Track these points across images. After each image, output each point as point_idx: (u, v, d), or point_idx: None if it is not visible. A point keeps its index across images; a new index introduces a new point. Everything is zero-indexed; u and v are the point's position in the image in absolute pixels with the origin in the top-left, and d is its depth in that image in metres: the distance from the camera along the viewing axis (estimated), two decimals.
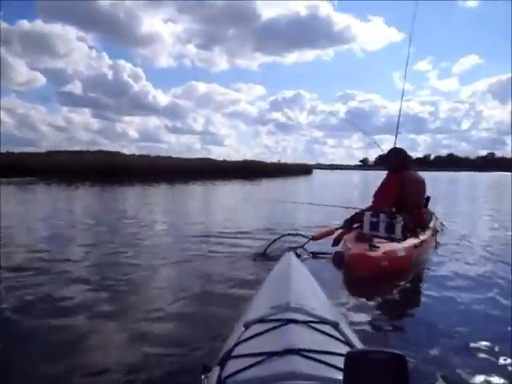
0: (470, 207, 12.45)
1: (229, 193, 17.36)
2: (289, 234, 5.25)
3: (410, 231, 4.48)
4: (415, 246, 4.27)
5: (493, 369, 2.09)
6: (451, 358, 2.22)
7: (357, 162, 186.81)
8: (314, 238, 5.00)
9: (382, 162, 5.77)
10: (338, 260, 4.22)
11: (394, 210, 4.66)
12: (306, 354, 0.94)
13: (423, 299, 3.36)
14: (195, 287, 3.48)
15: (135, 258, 4.58)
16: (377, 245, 3.97)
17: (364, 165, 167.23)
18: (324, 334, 1.10)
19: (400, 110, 5.96)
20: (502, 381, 1.99)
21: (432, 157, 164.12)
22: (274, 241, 4.81)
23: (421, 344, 2.40)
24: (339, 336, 1.15)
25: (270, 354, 0.95)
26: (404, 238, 4.31)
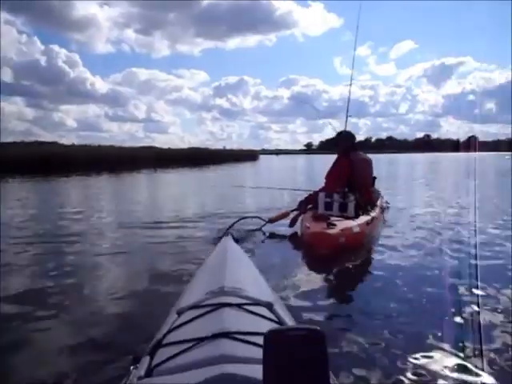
0: (408, 185, 13.36)
1: (176, 181, 17.03)
2: (247, 217, 5.28)
3: (361, 209, 4.74)
4: (367, 223, 4.54)
5: (431, 329, 2.28)
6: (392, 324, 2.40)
7: (301, 147, 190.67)
8: (271, 221, 5.22)
9: (332, 144, 6.05)
10: (295, 240, 4.51)
11: (346, 190, 4.83)
12: (236, 336, 0.94)
13: (375, 271, 3.58)
14: (138, 278, 3.42)
15: (74, 249, 4.44)
16: (334, 223, 4.20)
17: (308, 149, 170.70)
18: (257, 316, 1.09)
19: (349, 94, 6.12)
20: (435, 342, 2.15)
21: (373, 139, 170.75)
22: (233, 224, 4.86)
23: (368, 313, 2.58)
24: (273, 317, 1.15)
25: (201, 339, 0.94)
26: (356, 216, 4.57)
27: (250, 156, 42.89)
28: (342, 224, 4.23)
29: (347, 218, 4.50)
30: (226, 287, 1.25)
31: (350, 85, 6.19)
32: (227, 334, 0.95)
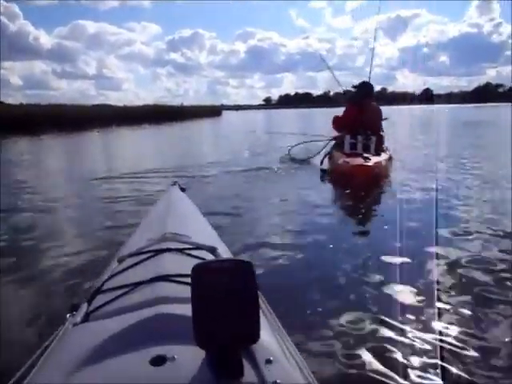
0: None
1: (146, 140, 16.29)
2: (311, 141, 7.35)
3: (377, 149, 5.73)
4: (388, 159, 5.81)
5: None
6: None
7: (260, 102, 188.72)
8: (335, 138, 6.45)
9: (350, 93, 6.91)
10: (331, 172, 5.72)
11: (368, 132, 5.74)
12: (175, 279, 0.93)
13: (390, 200, 4.48)
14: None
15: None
16: (369, 157, 5.21)
17: (268, 104, 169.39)
18: (199, 260, 1.03)
19: (373, 50, 7.52)
20: None
21: (331, 93, 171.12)
22: (294, 146, 7.41)
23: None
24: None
25: (139, 284, 0.94)
26: (378, 154, 5.57)
27: (213, 112, 42.80)
28: (374, 159, 5.23)
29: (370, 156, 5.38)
30: (168, 233, 1.24)
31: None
32: (165, 277, 0.94)
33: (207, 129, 22.92)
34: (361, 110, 5.92)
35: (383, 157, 5.60)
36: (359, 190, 4.73)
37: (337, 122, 6.40)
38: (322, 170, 5.83)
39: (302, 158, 6.98)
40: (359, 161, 5.10)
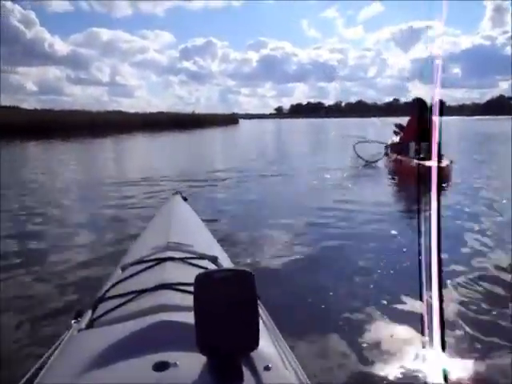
0: None
1: (177, 151, 15.65)
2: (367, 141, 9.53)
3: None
4: (450, 163, 6.47)
5: None
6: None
7: (272, 111, 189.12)
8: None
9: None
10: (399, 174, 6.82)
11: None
12: (177, 287, 0.95)
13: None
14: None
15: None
16: (442, 160, 6.05)
17: (279, 113, 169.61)
18: (201, 269, 1.07)
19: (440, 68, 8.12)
20: None
21: (343, 104, 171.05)
22: (357, 143, 9.13)
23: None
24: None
25: (142, 291, 0.95)
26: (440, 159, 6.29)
27: (231, 120, 44.26)
28: (444, 162, 6.12)
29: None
30: (170, 242, 1.26)
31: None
32: (168, 286, 0.96)
33: (239, 137, 22.90)
34: (421, 121, 6.76)
35: (447, 161, 6.46)
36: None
37: (409, 132, 7.38)
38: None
39: (368, 160, 8.53)
40: (433, 163, 5.83)
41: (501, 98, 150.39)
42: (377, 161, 8.48)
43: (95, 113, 31.13)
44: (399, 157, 7.15)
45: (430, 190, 4.68)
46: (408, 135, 7.29)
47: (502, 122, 40.13)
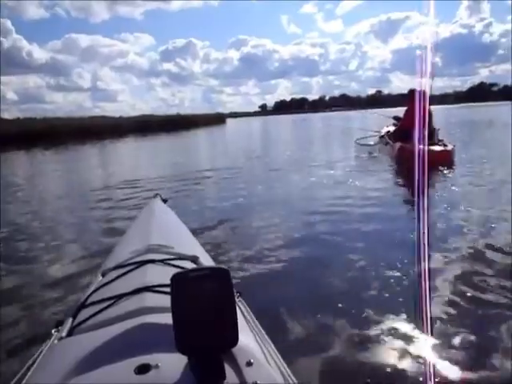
0: None
1: (164, 151, 15.07)
2: (367, 136, 9.96)
3: (439, 140, 7.21)
4: (454, 147, 7.04)
5: None
6: None
7: (256, 109, 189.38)
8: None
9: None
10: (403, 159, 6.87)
11: (434, 127, 7.22)
12: (157, 289, 0.94)
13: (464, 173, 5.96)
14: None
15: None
16: (446, 144, 6.87)
17: (263, 110, 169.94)
18: (181, 269, 0.96)
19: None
20: None
21: (327, 98, 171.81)
22: (360, 138, 9.75)
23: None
24: None
25: (122, 296, 0.95)
26: (445, 144, 6.97)
27: (218, 119, 43.53)
28: (448, 147, 6.78)
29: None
30: (151, 245, 1.26)
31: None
32: (148, 288, 0.95)
33: (232, 136, 22.26)
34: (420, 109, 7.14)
35: (450, 146, 6.97)
36: (442, 169, 6.08)
37: (408, 120, 7.56)
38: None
39: (369, 145, 9.30)
40: (439, 148, 6.65)
41: (482, 84, 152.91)
42: (375, 144, 9.28)
43: (78, 119, 30.58)
44: (402, 144, 7.22)
45: (440, 171, 6.11)
46: (408, 123, 7.40)
47: (487, 109, 40.61)
